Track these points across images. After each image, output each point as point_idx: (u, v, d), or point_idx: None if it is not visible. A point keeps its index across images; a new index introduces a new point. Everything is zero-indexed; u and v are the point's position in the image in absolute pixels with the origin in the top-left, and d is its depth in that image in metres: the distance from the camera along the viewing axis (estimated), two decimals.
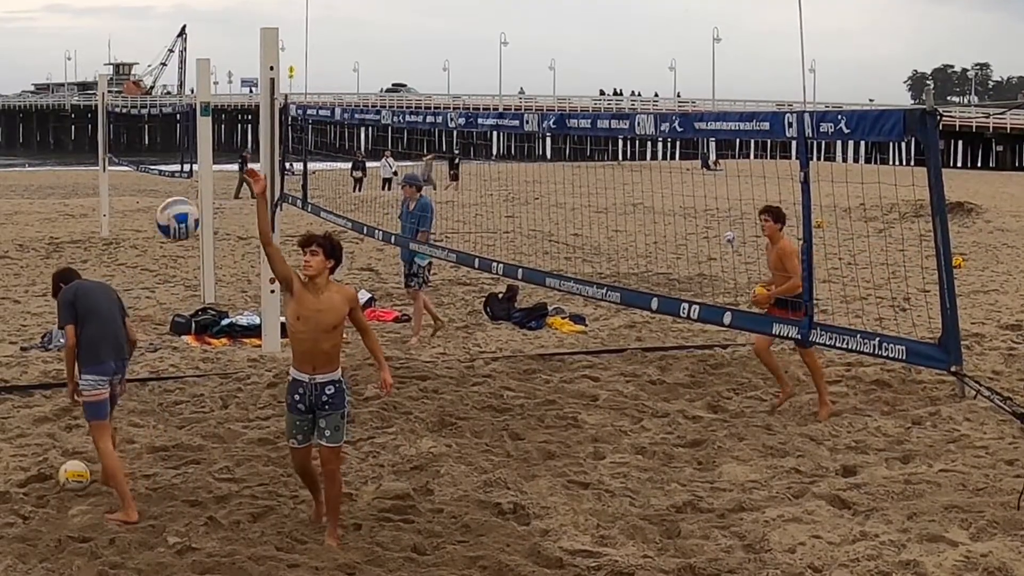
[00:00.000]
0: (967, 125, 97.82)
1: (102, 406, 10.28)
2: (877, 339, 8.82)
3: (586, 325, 19.38)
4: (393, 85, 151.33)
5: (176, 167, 29.32)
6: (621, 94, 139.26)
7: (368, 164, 58.95)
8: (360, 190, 51.45)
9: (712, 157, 71.94)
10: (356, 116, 21.81)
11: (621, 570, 8.98)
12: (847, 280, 22.40)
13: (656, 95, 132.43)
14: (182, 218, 18.96)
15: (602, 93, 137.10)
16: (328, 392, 9.45)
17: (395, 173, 54.21)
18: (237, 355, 16.93)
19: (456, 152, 60.50)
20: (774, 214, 13.88)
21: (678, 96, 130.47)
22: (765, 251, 14.54)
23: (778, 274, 13.66)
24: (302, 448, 9.68)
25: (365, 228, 17.77)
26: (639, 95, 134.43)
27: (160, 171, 32.99)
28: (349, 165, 55.77)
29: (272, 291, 17.12)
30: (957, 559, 8.95)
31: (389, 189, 50.70)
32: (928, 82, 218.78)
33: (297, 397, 9.51)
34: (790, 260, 13.43)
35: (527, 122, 13.53)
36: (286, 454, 11.83)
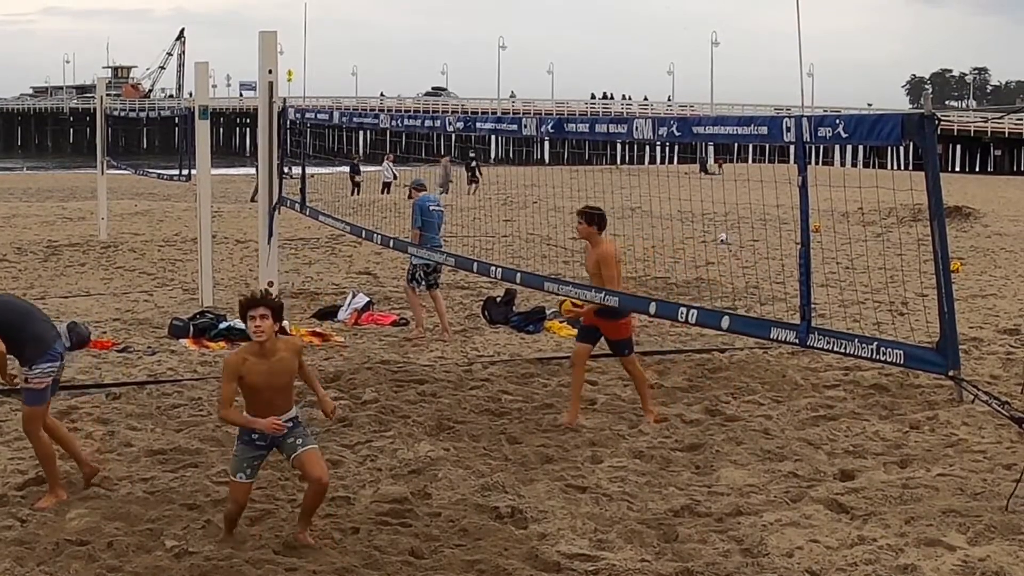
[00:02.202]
0: (965, 129, 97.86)
1: (45, 393, 10.63)
2: (875, 343, 8.83)
3: None
4: (433, 89, 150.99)
5: (175, 170, 29.31)
6: (612, 98, 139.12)
7: (364, 168, 59.03)
8: (359, 194, 51.54)
9: (710, 161, 72.02)
10: (354, 120, 21.81)
11: (619, 574, 8.97)
12: (845, 284, 22.43)
13: (646, 98, 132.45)
14: None
15: (593, 97, 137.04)
16: (287, 427, 9.28)
17: (394, 177, 54.29)
18: None
19: (472, 156, 60.39)
20: (587, 216, 13.60)
21: (668, 100, 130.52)
22: (585, 253, 14.32)
23: (596, 279, 13.28)
24: (249, 483, 9.46)
25: (364, 231, 17.78)
26: (629, 99, 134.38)
27: (159, 174, 32.98)
28: (347, 168, 55.89)
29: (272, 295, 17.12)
30: (955, 563, 8.94)
31: (388, 193, 50.76)
32: (926, 86, 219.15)
33: (255, 436, 9.33)
34: (608, 267, 13.14)
35: (525, 126, 13.54)
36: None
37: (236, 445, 9.45)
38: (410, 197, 20.20)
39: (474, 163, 58.37)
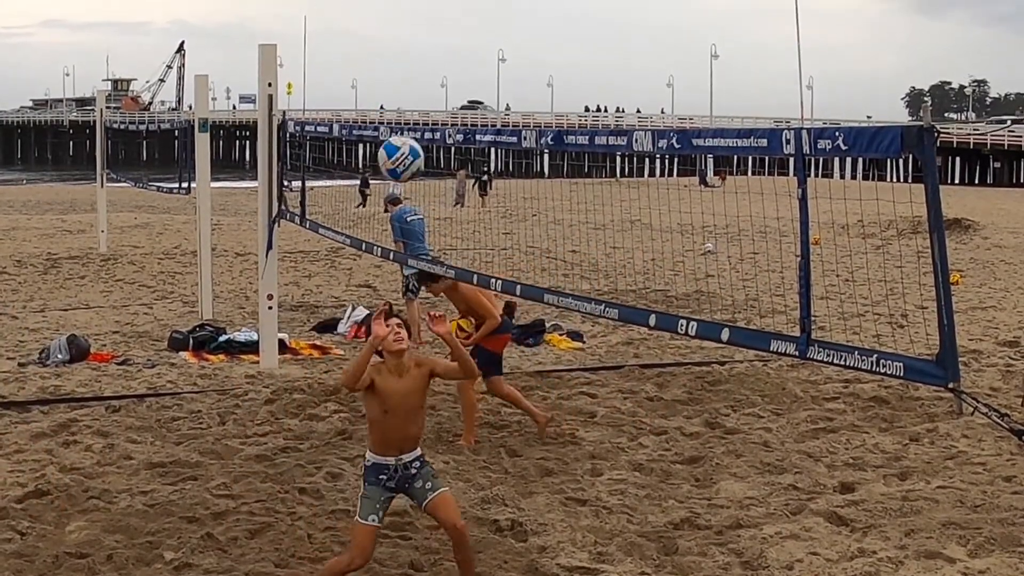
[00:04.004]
0: (964, 142, 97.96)
1: None
2: (875, 356, 8.81)
3: (584, 342, 19.38)
4: (469, 103, 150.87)
5: (174, 183, 29.33)
6: (606, 111, 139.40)
7: (373, 181, 59.18)
8: (366, 206, 51.69)
9: (710, 174, 72.08)
10: (354, 132, 21.82)
11: None
12: (845, 297, 22.44)
13: (638, 111, 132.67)
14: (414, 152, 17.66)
15: (587, 109, 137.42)
16: (416, 466, 8.68)
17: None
18: (235, 371, 16.93)
19: (484, 169, 60.41)
20: (429, 275, 13.79)
21: (662, 112, 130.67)
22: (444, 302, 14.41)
23: (473, 315, 13.35)
24: (377, 528, 8.69)
25: (364, 244, 17.78)
26: (623, 111, 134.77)
27: (158, 187, 33.01)
28: (355, 182, 56.06)
29: (270, 307, 17.13)
30: None
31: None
32: (926, 98, 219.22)
33: (384, 477, 8.63)
34: (479, 304, 13.22)
35: (525, 138, 13.53)
36: (284, 471, 11.84)
37: (364, 487, 8.68)
38: (386, 211, 20.58)
39: (485, 177, 58.46)
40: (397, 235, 19.41)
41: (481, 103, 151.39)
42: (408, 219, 19.49)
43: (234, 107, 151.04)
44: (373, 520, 8.53)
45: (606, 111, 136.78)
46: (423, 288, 18.89)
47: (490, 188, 56.99)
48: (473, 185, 58.33)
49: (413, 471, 8.63)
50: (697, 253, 31.02)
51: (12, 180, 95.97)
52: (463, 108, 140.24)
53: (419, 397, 8.66)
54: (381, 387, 8.51)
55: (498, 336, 13.48)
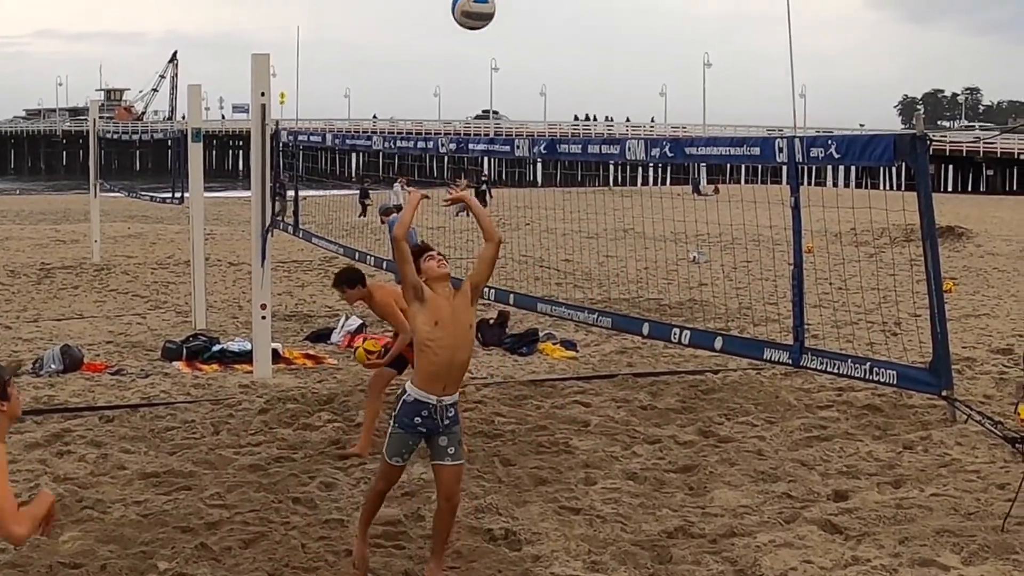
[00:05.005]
0: (957, 149, 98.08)
1: None
2: (868, 364, 8.84)
3: (577, 351, 19.38)
4: (483, 112, 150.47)
5: (167, 193, 29.34)
6: (595, 119, 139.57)
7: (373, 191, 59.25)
8: (366, 216, 51.74)
9: (703, 183, 72.09)
10: (347, 142, 21.85)
11: None
12: (838, 305, 22.43)
13: (627, 119, 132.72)
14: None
15: (576, 119, 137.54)
16: (450, 414, 8.81)
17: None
18: (228, 381, 16.92)
19: (483, 179, 60.37)
20: (346, 281, 13.31)
21: (652, 121, 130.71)
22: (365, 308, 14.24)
23: (389, 323, 13.26)
24: (403, 467, 9.06)
25: (357, 253, 17.80)
26: (611, 120, 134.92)
27: (152, 197, 33.01)
28: (348, 192, 56.07)
29: (263, 317, 17.12)
30: None
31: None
32: (918, 107, 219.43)
33: (419, 420, 8.73)
34: (392, 315, 12.97)
35: (518, 147, 13.55)
36: (277, 480, 11.84)
37: (393, 428, 8.81)
38: (382, 223, 20.72)
39: (485, 186, 58.52)
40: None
41: (496, 112, 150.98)
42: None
43: (223, 116, 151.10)
44: (397, 461, 8.82)
45: (595, 120, 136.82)
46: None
47: (490, 198, 57.02)
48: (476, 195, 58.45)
49: (447, 420, 8.75)
50: (688, 261, 31.07)
51: (5, 190, 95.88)
52: (477, 118, 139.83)
53: (468, 314, 8.89)
54: (431, 298, 8.72)
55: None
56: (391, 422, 8.88)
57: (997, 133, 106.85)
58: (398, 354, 12.99)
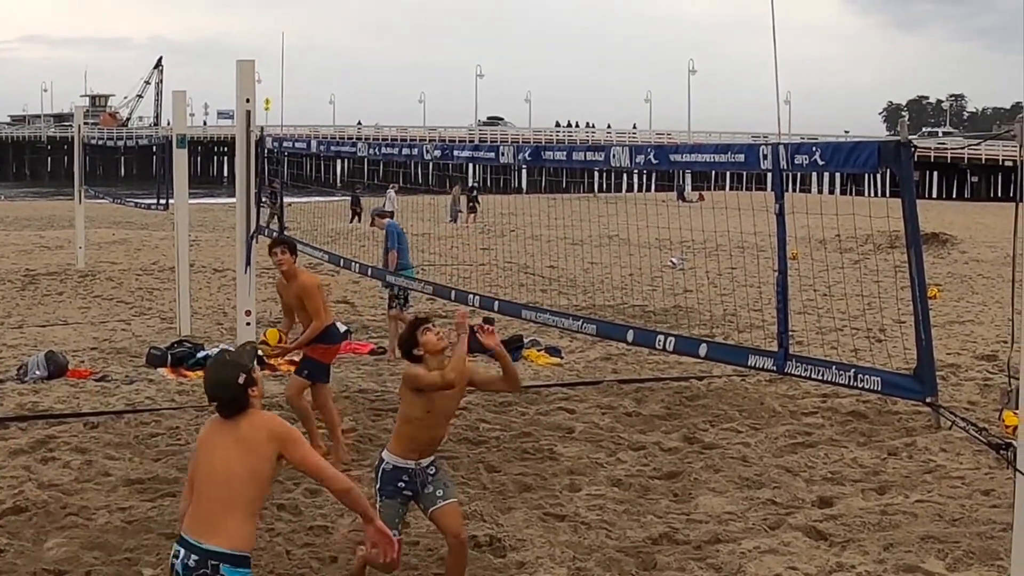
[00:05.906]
0: (942, 156, 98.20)
1: None
2: (852, 370, 8.83)
3: (562, 357, 19.38)
4: (489, 119, 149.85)
5: (152, 199, 29.28)
6: (578, 126, 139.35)
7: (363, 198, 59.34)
8: (359, 222, 51.76)
9: (688, 190, 72.14)
10: (332, 148, 21.83)
11: None
12: (822, 311, 22.45)
13: (609, 126, 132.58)
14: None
15: (557, 125, 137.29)
16: (431, 472, 8.80)
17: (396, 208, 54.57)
18: None
19: (474, 185, 60.31)
20: (290, 246, 13.33)
21: (634, 127, 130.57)
22: (277, 289, 14.11)
23: (302, 313, 13.13)
24: (399, 540, 8.64)
25: (342, 260, 17.77)
26: (593, 126, 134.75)
27: (136, 203, 32.94)
28: (333, 198, 56.09)
29: (248, 323, 17.10)
30: None
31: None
32: (903, 113, 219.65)
33: (402, 484, 8.73)
34: (312, 299, 12.90)
35: (503, 154, 13.54)
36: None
37: (379, 502, 8.68)
38: (372, 224, 20.95)
39: (474, 193, 58.55)
40: (393, 243, 19.65)
41: (501, 119, 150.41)
42: (400, 230, 19.92)
43: (204, 123, 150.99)
44: (395, 535, 8.34)
45: (577, 126, 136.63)
46: (408, 300, 19.08)
47: (478, 205, 57.06)
48: (468, 202, 58.46)
49: (429, 476, 8.74)
50: (676, 269, 31.09)
51: None
52: (484, 124, 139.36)
53: (457, 402, 8.92)
54: (433, 395, 8.67)
55: (328, 346, 13.25)
56: (376, 495, 8.74)
57: (980, 140, 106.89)
58: (307, 347, 12.93)
